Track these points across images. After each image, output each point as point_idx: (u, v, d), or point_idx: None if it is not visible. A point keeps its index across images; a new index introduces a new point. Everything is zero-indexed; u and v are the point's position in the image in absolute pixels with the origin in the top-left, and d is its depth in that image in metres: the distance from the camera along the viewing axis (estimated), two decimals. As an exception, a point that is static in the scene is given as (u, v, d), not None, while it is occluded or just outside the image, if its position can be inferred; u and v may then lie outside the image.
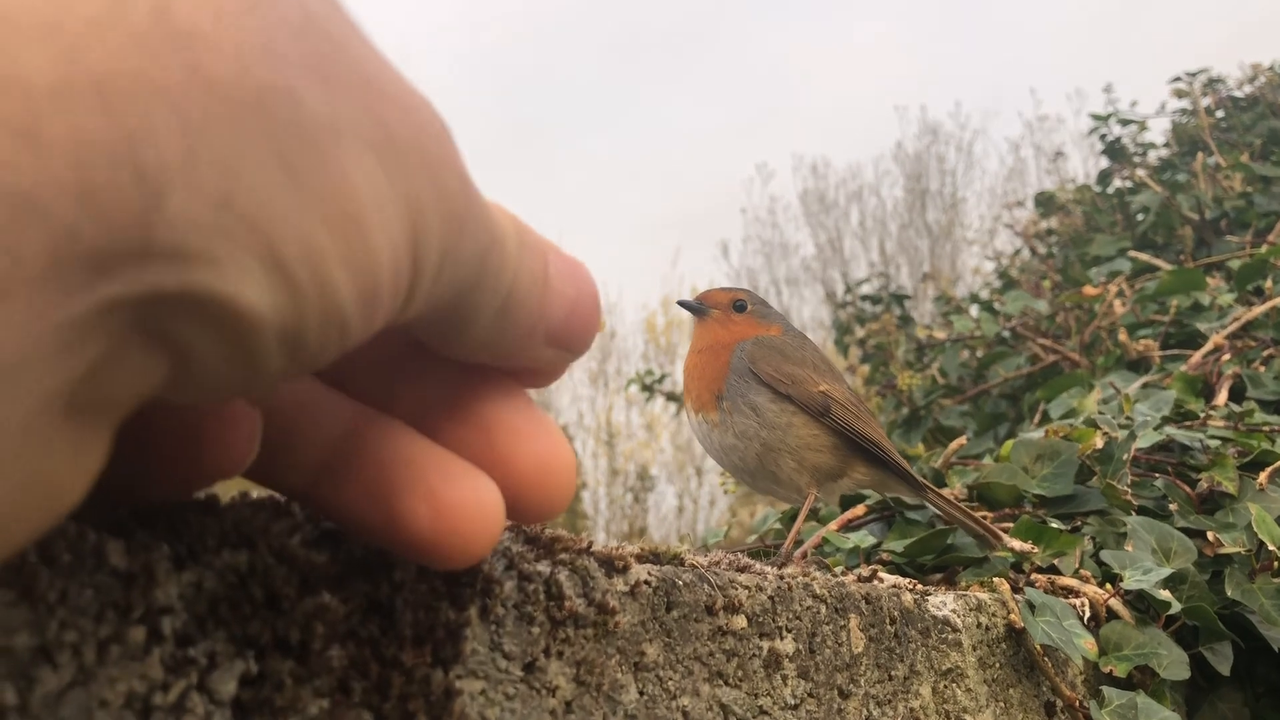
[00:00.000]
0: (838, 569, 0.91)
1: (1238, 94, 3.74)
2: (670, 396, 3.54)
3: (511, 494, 0.36)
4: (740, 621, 0.59)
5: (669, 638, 0.53)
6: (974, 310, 2.84)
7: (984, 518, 1.07)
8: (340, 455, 0.36)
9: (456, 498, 0.34)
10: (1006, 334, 2.47)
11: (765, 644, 0.61)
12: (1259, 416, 1.40)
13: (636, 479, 12.26)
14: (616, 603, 0.50)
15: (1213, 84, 3.80)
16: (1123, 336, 2.00)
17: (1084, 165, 10.80)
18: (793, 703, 0.62)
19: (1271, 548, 1.06)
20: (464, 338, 0.34)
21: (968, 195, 13.40)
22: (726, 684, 0.57)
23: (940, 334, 2.54)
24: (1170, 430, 1.32)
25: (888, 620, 0.74)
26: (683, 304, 1.05)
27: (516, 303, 0.34)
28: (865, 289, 4.50)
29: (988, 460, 1.37)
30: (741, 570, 0.63)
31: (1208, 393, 1.68)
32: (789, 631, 0.63)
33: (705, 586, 0.57)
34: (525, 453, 0.37)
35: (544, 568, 0.47)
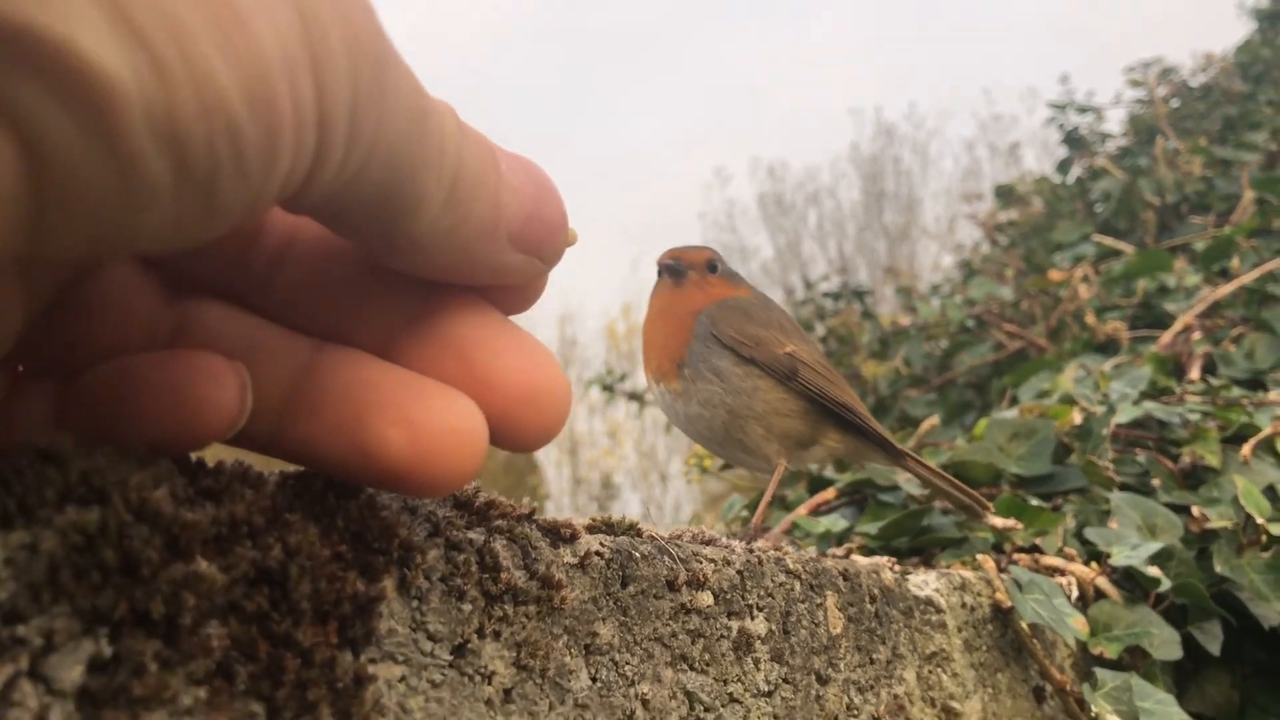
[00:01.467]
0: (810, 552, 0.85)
1: (1192, 84, 3.76)
2: (632, 397, 3.47)
3: (498, 417, 0.34)
4: (706, 599, 0.52)
5: (625, 616, 0.47)
6: (935, 302, 2.81)
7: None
8: (301, 391, 0.34)
9: (432, 418, 0.33)
10: (971, 322, 2.44)
11: (734, 624, 0.54)
12: (1236, 391, 1.36)
13: (600, 487, 12.22)
14: (563, 576, 0.43)
15: (1167, 73, 3.82)
16: (1090, 319, 1.97)
17: (1039, 163, 10.88)
18: (766, 689, 0.55)
19: (1260, 521, 1.01)
20: (415, 232, 0.31)
21: (924, 196, 13.48)
22: (692, 668, 0.50)
23: (905, 320, 2.49)
24: (1149, 405, 1.27)
25: (867, 599, 0.67)
26: (663, 267, 0.95)
27: (466, 191, 0.32)
28: (825, 286, 4.47)
29: (960, 442, 1.31)
30: (706, 543, 0.57)
31: (1179, 372, 1.65)
32: (760, 610, 0.56)
33: (666, 560, 0.50)
34: (508, 371, 0.34)
35: (477, 535, 0.40)
